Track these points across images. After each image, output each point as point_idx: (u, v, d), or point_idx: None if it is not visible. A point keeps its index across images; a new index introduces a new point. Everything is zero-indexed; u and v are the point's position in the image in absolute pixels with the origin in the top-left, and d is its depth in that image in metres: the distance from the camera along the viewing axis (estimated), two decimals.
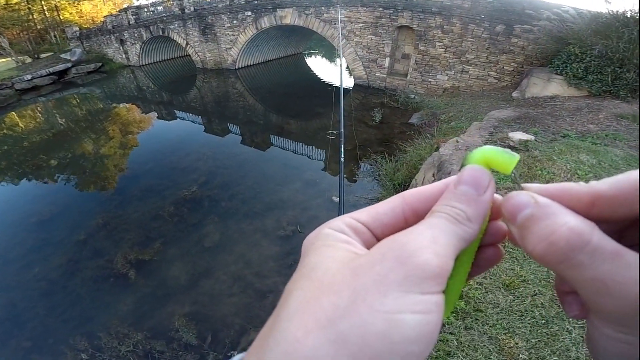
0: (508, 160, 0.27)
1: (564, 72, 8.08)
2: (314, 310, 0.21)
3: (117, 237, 6.13)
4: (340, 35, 7.64)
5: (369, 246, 0.26)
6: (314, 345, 0.19)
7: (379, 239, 0.27)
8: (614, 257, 0.20)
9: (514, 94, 9.18)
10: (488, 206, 0.26)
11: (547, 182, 4.05)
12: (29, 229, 6.69)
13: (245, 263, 5.31)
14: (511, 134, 5.60)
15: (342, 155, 2.80)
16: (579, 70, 7.75)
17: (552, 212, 0.23)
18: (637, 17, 7.32)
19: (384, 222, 0.28)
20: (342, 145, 2.90)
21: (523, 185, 0.27)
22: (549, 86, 8.39)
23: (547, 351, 2.31)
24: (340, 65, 7.09)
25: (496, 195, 0.28)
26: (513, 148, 5.19)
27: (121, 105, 15.47)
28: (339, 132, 3.18)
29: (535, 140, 5.37)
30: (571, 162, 4.48)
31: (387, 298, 0.20)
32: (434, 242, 0.23)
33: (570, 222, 0.21)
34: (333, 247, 0.25)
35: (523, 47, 10.02)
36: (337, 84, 16.66)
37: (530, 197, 0.24)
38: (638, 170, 0.22)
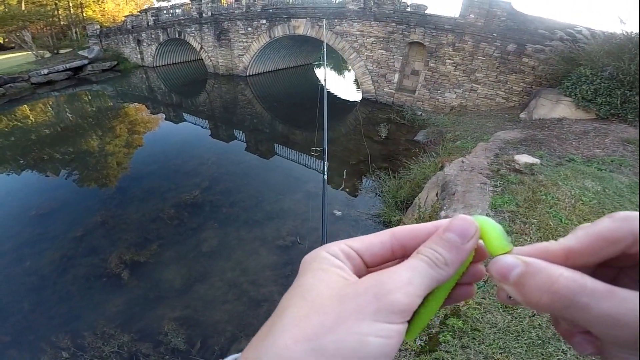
0: (502, 246, 0.30)
1: (573, 94, 7.96)
2: (304, 325, 0.25)
3: (114, 237, 6.12)
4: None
5: (357, 271, 0.31)
6: (301, 351, 0.24)
7: (367, 266, 0.32)
8: (610, 294, 0.23)
9: (522, 115, 9.13)
10: (468, 253, 0.30)
11: (551, 207, 4.02)
12: (26, 222, 6.71)
13: (242, 270, 5.25)
14: (517, 157, 5.54)
15: (326, 173, 2.76)
16: (589, 92, 7.63)
17: (542, 267, 0.26)
18: None
19: (373, 252, 0.32)
20: (326, 163, 2.87)
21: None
22: (556, 108, 8.32)
23: None
24: (324, 81, 6.89)
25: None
26: (518, 171, 5.14)
27: (131, 104, 15.69)
28: (322, 149, 3.15)
29: (541, 164, 5.31)
30: (576, 188, 4.42)
31: (362, 323, 0.25)
32: (408, 284, 0.27)
33: (564, 272, 0.25)
34: (327, 272, 0.29)
35: (533, 67, 9.99)
36: (345, 97, 16.79)
37: (514, 258, 0.28)
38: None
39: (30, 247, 5.95)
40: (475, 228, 0.30)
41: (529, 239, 3.55)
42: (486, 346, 2.53)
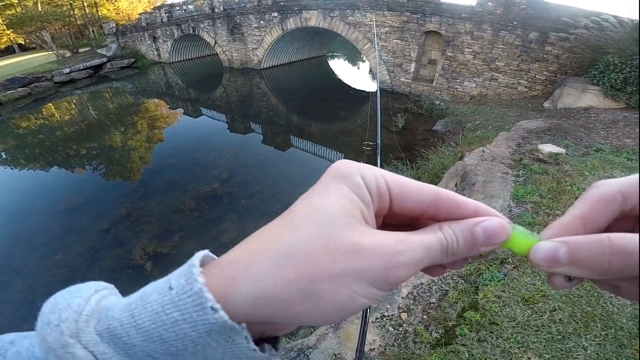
0: (529, 241, 0.28)
1: (600, 83, 7.67)
2: (311, 264, 0.24)
3: (138, 229, 6.32)
4: (376, 45, 7.46)
5: (379, 211, 0.29)
6: (297, 289, 0.24)
7: (391, 208, 0.29)
8: None
9: (546, 104, 8.81)
10: (478, 253, 0.29)
11: (576, 199, 3.86)
12: (56, 215, 7.02)
13: None
14: (541, 146, 5.36)
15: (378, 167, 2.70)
16: (618, 81, 7.33)
17: (582, 239, 0.26)
18: None
19: (405, 203, 0.29)
20: (379, 158, 2.81)
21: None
22: (583, 97, 8.00)
23: None
24: (377, 75, 6.89)
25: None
26: (542, 161, 4.98)
27: (150, 100, 16.04)
28: (375, 144, 3.07)
29: (566, 154, 5.12)
30: (603, 179, 4.24)
31: (361, 283, 0.25)
32: (416, 263, 0.26)
33: (609, 235, 0.25)
34: (353, 206, 0.27)
35: (557, 55, 9.61)
36: (360, 88, 16.64)
37: (550, 241, 0.27)
38: (638, 174, 0.27)
39: (60, 241, 6.23)
40: (505, 239, 0.28)
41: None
42: (504, 340, 2.47)
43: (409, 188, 0.29)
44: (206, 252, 0.28)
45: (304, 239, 0.25)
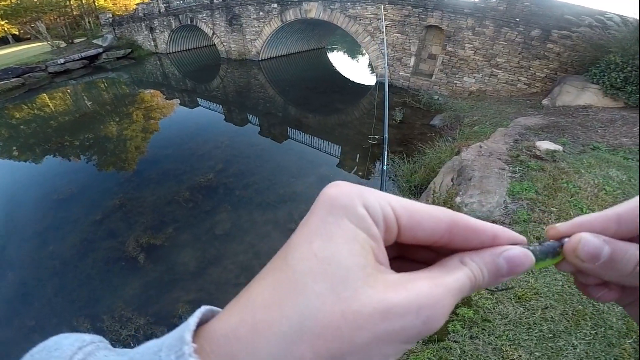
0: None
1: (600, 81, 7.68)
2: (330, 337, 0.20)
3: (132, 220, 6.26)
4: (384, 36, 7.35)
5: (385, 241, 0.24)
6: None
7: (399, 238, 0.25)
8: None
9: (544, 102, 8.78)
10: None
11: (572, 196, 3.86)
12: (49, 206, 6.94)
13: (254, 253, 5.31)
14: (538, 143, 5.35)
15: (385, 163, 2.62)
16: (618, 80, 7.34)
17: (622, 244, 0.26)
18: None
19: (416, 234, 0.25)
20: (386, 153, 2.74)
21: (559, 225, 0.29)
22: (582, 95, 7.98)
23: None
24: (386, 70, 6.74)
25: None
26: (539, 158, 4.95)
27: (146, 91, 15.86)
28: (382, 138, 2.99)
29: (563, 151, 5.11)
30: (599, 177, 4.24)
31: (393, 345, 0.21)
32: (449, 308, 0.23)
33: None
34: (363, 248, 0.22)
35: (559, 53, 9.56)
36: (359, 81, 16.52)
37: (598, 238, 0.26)
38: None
39: (53, 231, 6.16)
40: (528, 267, 0.27)
41: (546, 229, 3.44)
42: (495, 337, 2.50)
43: (420, 216, 0.25)
44: (202, 310, 0.23)
45: (316, 306, 0.20)
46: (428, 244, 0.26)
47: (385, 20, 12.91)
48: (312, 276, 0.21)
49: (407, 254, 0.29)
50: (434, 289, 0.22)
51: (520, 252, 0.26)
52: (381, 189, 2.27)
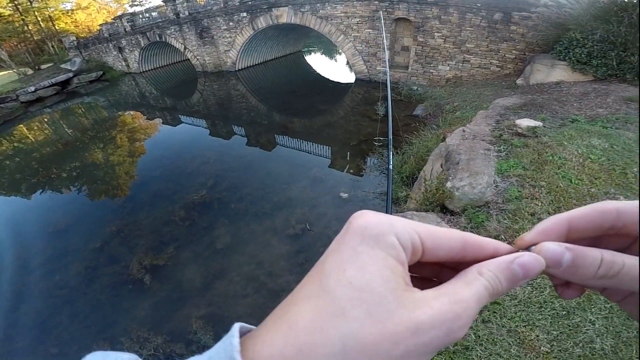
0: None
1: (567, 58, 7.99)
2: (372, 354, 0.23)
3: (131, 244, 6.21)
4: (383, 35, 7.41)
5: (408, 264, 0.28)
6: None
7: (422, 259, 0.29)
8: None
9: (518, 81, 9.08)
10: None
11: (560, 168, 4.04)
12: (46, 238, 6.82)
13: (257, 264, 5.34)
14: (518, 121, 5.55)
15: (391, 163, 2.68)
16: (582, 55, 7.66)
17: (584, 250, 0.29)
18: (636, 1, 7.21)
19: (437, 254, 0.29)
20: (391, 153, 2.81)
21: (523, 236, 0.32)
22: (553, 72, 8.29)
23: (570, 343, 2.24)
24: (388, 73, 6.82)
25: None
26: (521, 135, 5.15)
27: (126, 112, 15.59)
28: (388, 140, 3.07)
29: (544, 127, 5.32)
30: (582, 147, 4.43)
31: (424, 355, 0.24)
32: (472, 319, 0.26)
33: (604, 253, 0.29)
34: (394, 273, 0.26)
35: (523, 34, 9.89)
36: (338, 80, 16.62)
37: (559, 245, 0.29)
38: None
39: (56, 262, 6.08)
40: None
41: (539, 204, 3.56)
42: (508, 319, 2.46)
43: (440, 239, 0.29)
44: (238, 327, 0.26)
45: (357, 328, 0.23)
46: (445, 261, 0.30)
47: (355, 17, 13.12)
48: (350, 302, 0.24)
49: (414, 271, 0.32)
50: (454, 305, 0.25)
51: (532, 258, 0.29)
52: (387, 188, 2.34)
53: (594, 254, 0.29)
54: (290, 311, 0.25)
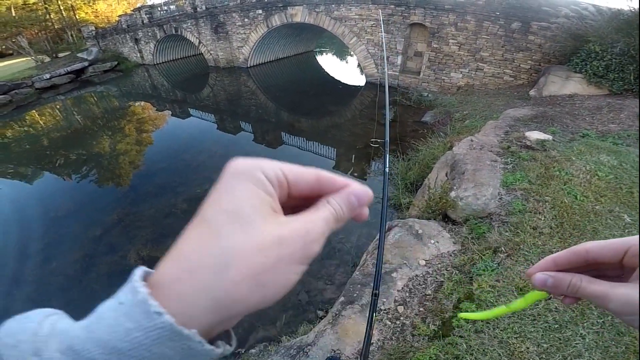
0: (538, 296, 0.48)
1: (583, 70, 7.84)
2: (249, 264, 0.27)
3: (131, 234, 6.25)
4: (384, 48, 7.48)
5: (280, 199, 0.33)
6: (246, 288, 0.27)
7: (289, 194, 0.34)
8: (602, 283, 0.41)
9: (531, 92, 8.95)
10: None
11: (566, 184, 3.96)
12: (47, 223, 6.89)
13: None
14: (528, 134, 5.46)
15: (387, 165, 2.71)
16: (600, 69, 7.51)
17: (562, 276, 0.44)
18: None
19: (299, 188, 0.34)
20: (387, 155, 2.81)
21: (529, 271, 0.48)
22: (567, 84, 8.15)
23: (559, 356, 2.26)
24: (386, 73, 6.87)
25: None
26: (530, 148, 5.06)
27: (136, 103, 15.75)
28: (384, 142, 3.09)
29: (553, 140, 5.21)
30: (591, 163, 4.33)
31: (292, 266, 0.29)
32: (322, 235, 0.32)
33: (580, 278, 0.43)
34: (263, 202, 0.30)
35: (540, 44, 9.76)
36: (349, 82, 16.61)
37: (544, 274, 0.45)
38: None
39: (54, 248, 6.13)
40: (369, 198, 0.36)
41: (542, 218, 3.50)
42: (501, 330, 2.48)
43: (300, 174, 0.34)
44: (142, 268, 0.29)
45: (232, 242, 0.27)
46: (308, 194, 0.35)
47: (369, 20, 13.06)
48: (224, 224, 0.28)
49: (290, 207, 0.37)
50: (307, 223, 0.31)
51: (362, 189, 0.35)
52: (383, 190, 2.31)
53: (566, 278, 0.43)
54: (179, 243, 0.29)
